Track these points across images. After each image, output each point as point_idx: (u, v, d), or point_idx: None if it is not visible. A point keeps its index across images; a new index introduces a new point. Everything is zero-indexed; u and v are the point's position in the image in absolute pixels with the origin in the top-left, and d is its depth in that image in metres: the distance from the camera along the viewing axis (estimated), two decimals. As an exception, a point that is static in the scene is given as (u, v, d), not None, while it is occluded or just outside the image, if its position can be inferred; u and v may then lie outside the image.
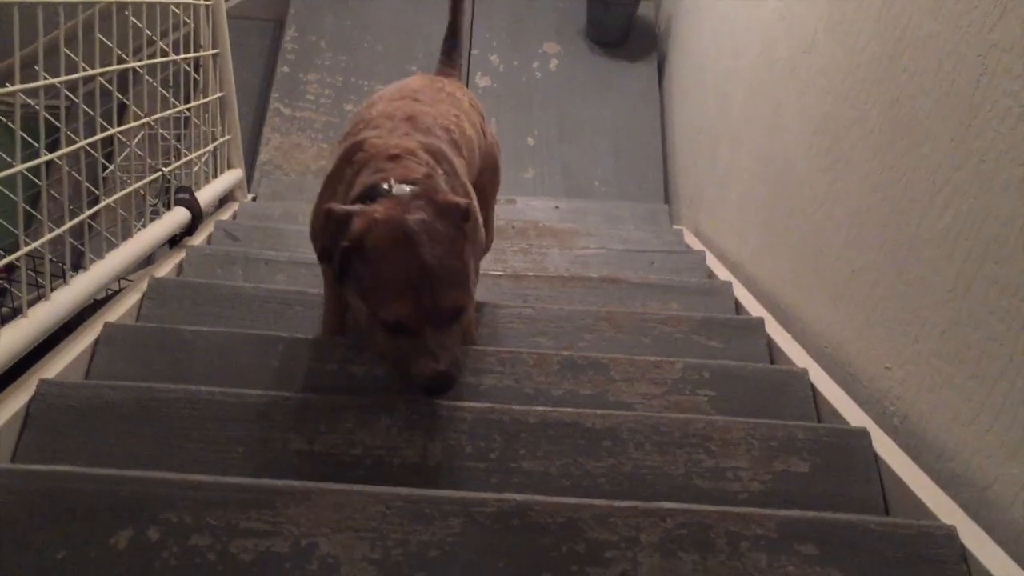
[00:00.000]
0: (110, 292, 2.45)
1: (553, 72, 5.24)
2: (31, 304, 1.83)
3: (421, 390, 1.54)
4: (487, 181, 2.42)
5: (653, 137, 4.98)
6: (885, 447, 1.78)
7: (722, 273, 3.08)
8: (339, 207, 1.60)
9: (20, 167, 1.76)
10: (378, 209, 1.57)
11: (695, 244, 3.62)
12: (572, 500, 1.47)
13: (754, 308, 2.66)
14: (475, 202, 1.84)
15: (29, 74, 1.85)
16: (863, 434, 1.80)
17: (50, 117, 1.93)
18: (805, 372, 2.12)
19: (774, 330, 2.44)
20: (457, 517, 1.43)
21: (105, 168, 2.46)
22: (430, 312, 1.52)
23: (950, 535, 1.47)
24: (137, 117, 2.55)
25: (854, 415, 1.93)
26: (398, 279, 1.52)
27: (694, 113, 4.28)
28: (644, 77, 5.20)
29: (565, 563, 1.39)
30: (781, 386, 2.08)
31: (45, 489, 1.42)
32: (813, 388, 2.08)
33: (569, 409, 1.79)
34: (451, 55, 2.59)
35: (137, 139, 2.60)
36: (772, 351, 2.39)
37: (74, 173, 2.11)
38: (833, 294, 2.20)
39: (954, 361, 1.64)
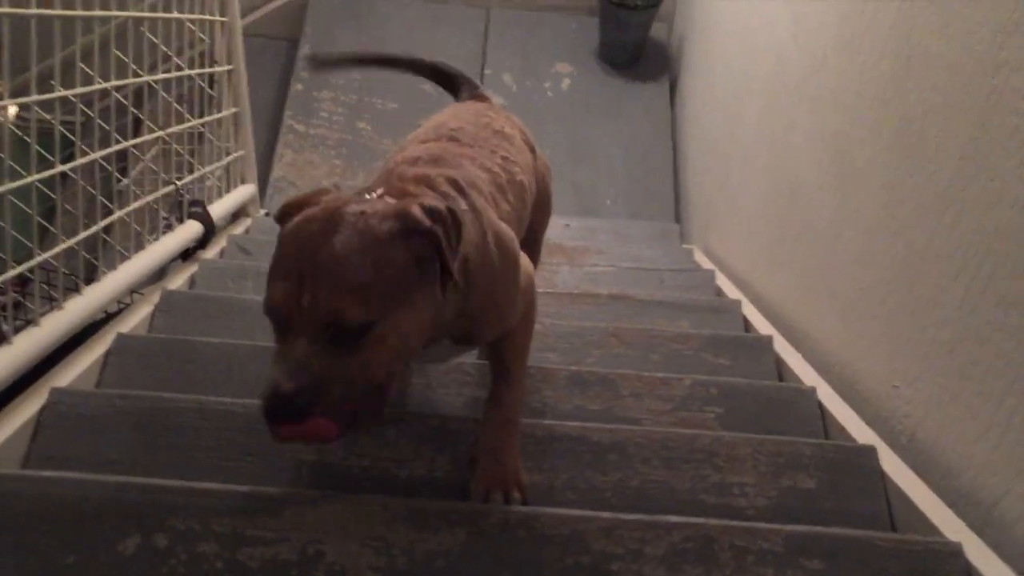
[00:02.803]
0: (122, 305, 2.47)
1: (565, 92, 5.26)
2: (44, 315, 1.85)
3: (261, 415, 1.18)
4: (538, 215, 2.10)
5: (664, 157, 4.99)
6: (892, 464, 1.78)
7: (731, 291, 3.09)
8: None
9: (33, 177, 1.78)
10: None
11: (705, 263, 3.63)
12: (577, 512, 1.48)
13: (763, 326, 2.66)
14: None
15: (45, 89, 1.88)
16: (870, 451, 1.80)
17: (65, 131, 1.96)
18: (813, 390, 2.12)
19: (782, 348, 2.44)
20: (462, 527, 1.43)
21: (119, 182, 2.49)
22: (307, 311, 1.18)
23: (956, 552, 1.47)
24: (152, 132, 2.57)
25: (862, 433, 1.93)
26: (286, 259, 1.22)
27: (705, 133, 4.30)
28: (656, 97, 5.21)
29: (570, 574, 1.40)
30: (789, 404, 2.08)
31: (55, 495, 1.44)
32: (821, 406, 2.08)
33: (576, 423, 1.79)
34: (467, 82, 2.31)
35: (151, 153, 2.62)
36: (780, 369, 2.39)
37: (88, 187, 2.13)
38: (842, 312, 2.20)
39: (962, 378, 1.64)
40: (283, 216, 1.31)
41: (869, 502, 1.73)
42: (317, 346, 1.18)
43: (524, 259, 1.64)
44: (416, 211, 1.25)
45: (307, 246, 1.21)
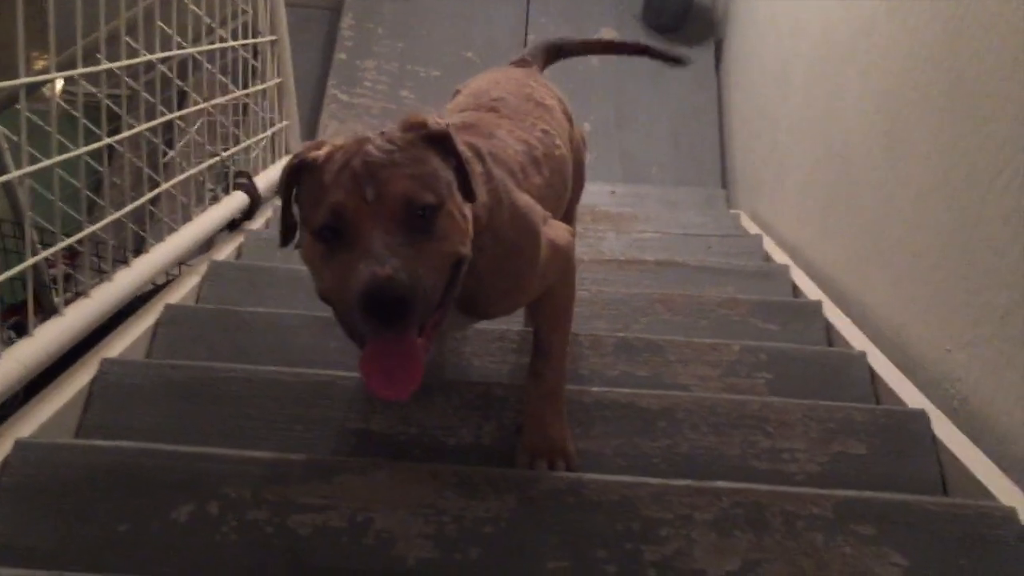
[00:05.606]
0: (171, 277, 2.49)
1: (610, 57, 5.22)
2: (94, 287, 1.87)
3: (361, 312, 1.13)
4: (572, 185, 2.01)
5: (710, 122, 4.95)
6: (944, 429, 1.75)
7: (779, 257, 3.06)
8: None
9: (81, 150, 1.79)
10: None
11: (752, 228, 3.60)
12: (626, 478, 1.48)
13: (812, 291, 2.63)
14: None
15: (92, 63, 1.89)
16: (921, 416, 1.78)
17: (112, 104, 1.97)
18: (863, 355, 2.09)
19: (832, 313, 2.41)
20: (511, 494, 1.44)
21: (165, 154, 2.51)
22: (375, 205, 1.19)
23: (1010, 516, 1.45)
24: (197, 104, 2.58)
25: (913, 397, 1.90)
26: (336, 176, 1.22)
27: (752, 97, 4.25)
28: (701, 61, 5.15)
29: (620, 540, 1.40)
30: (839, 369, 2.06)
31: (108, 464, 1.46)
32: (871, 371, 2.06)
33: (624, 390, 1.79)
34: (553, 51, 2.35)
35: (197, 125, 2.63)
36: (830, 334, 2.36)
37: (135, 160, 2.15)
38: (893, 276, 2.17)
39: (1016, 343, 1.62)
40: (296, 165, 1.33)
41: (921, 467, 1.71)
42: (393, 237, 1.18)
43: (559, 231, 1.60)
44: (429, 118, 1.32)
45: (350, 161, 1.23)
